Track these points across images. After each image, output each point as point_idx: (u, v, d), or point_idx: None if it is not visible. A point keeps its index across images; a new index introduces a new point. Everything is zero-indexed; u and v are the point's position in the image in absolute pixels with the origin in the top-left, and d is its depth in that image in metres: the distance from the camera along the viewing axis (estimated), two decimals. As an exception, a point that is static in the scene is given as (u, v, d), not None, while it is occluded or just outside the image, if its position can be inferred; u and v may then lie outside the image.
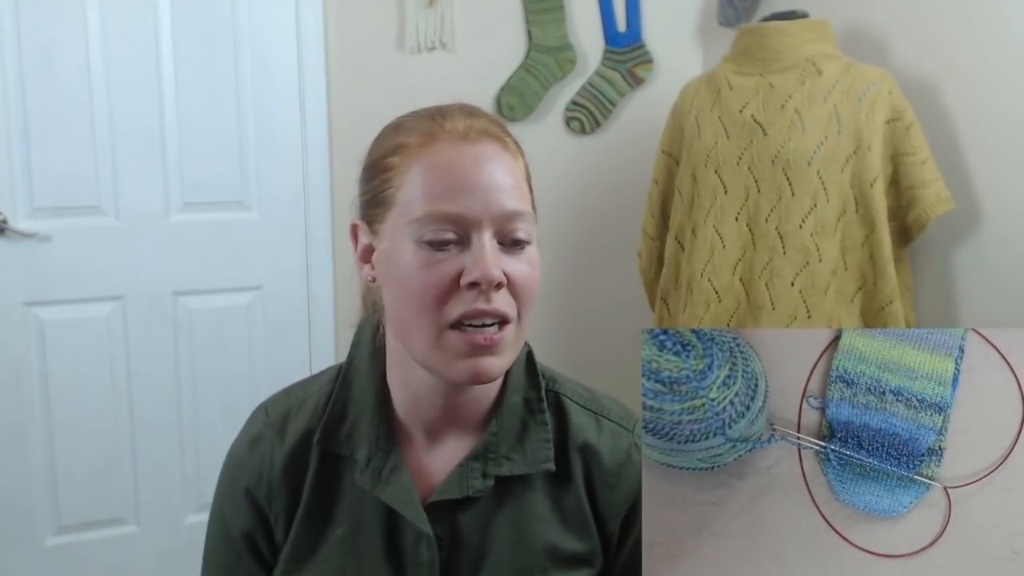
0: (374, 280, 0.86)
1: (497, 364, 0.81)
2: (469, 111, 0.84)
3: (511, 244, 0.81)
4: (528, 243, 0.82)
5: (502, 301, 0.79)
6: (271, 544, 0.93)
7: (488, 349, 0.79)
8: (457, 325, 0.79)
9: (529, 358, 0.94)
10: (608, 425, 0.93)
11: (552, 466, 0.90)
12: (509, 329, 0.81)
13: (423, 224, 0.79)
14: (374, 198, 0.85)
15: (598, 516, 0.92)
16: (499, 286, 0.79)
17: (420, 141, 0.82)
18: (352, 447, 0.89)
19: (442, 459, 0.90)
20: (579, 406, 0.94)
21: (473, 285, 0.78)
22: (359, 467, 0.88)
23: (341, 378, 0.93)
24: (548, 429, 0.91)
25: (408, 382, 0.88)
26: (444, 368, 0.81)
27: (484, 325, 0.79)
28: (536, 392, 0.92)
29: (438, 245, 0.79)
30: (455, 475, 0.88)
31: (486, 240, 0.79)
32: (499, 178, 0.80)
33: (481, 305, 0.78)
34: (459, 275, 0.78)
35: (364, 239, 0.87)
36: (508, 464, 0.89)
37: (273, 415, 0.94)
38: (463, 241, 0.79)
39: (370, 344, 0.92)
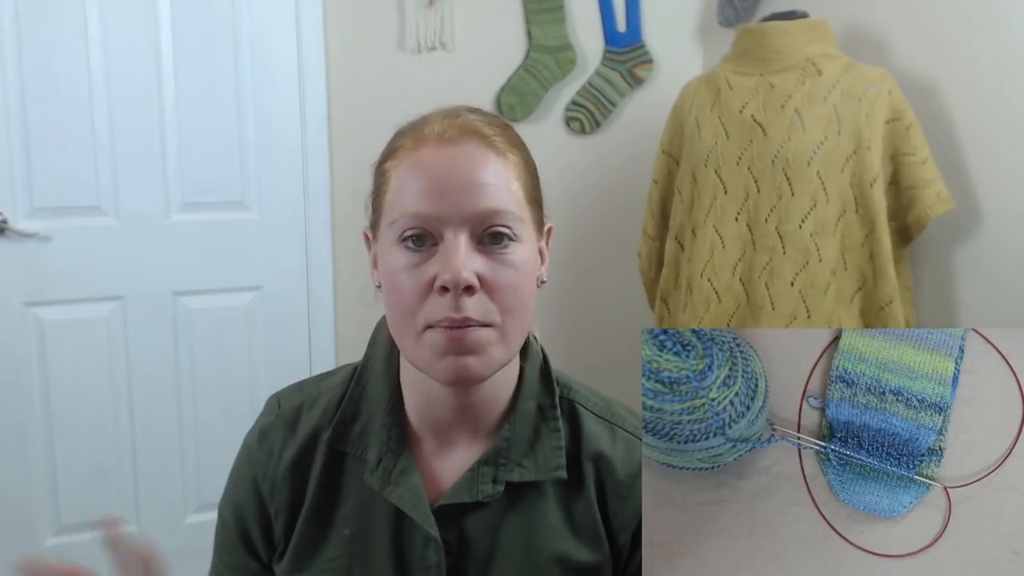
0: (379, 286, 0.86)
1: (478, 365, 0.79)
2: (455, 113, 0.84)
3: (490, 242, 0.80)
4: (513, 241, 0.81)
5: (475, 307, 0.78)
6: (267, 536, 0.93)
7: (466, 348, 0.78)
8: (435, 325, 0.79)
9: (544, 365, 0.93)
10: (622, 435, 0.93)
11: (564, 474, 0.89)
12: (489, 331, 0.79)
13: (400, 226, 0.80)
14: (373, 204, 0.86)
15: (608, 527, 0.91)
16: (470, 289, 0.77)
17: (408, 146, 0.82)
18: (363, 447, 0.89)
19: (453, 463, 0.89)
20: (593, 415, 0.93)
21: (445, 289, 0.77)
22: (369, 467, 0.88)
23: (356, 378, 0.93)
24: (561, 436, 0.90)
25: (418, 383, 0.87)
26: (428, 367, 0.81)
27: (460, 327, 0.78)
28: (550, 399, 0.91)
29: (414, 246, 0.79)
30: (465, 479, 0.87)
31: (459, 241, 0.78)
32: (475, 177, 0.79)
33: (451, 313, 0.77)
34: (433, 278, 0.78)
35: (373, 246, 0.87)
36: (519, 470, 0.88)
37: (286, 408, 0.94)
38: (439, 243, 0.79)
39: (386, 344, 0.92)
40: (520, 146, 0.86)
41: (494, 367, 0.81)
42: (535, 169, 0.88)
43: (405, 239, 0.79)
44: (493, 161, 0.81)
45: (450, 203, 0.78)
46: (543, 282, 0.88)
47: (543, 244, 0.89)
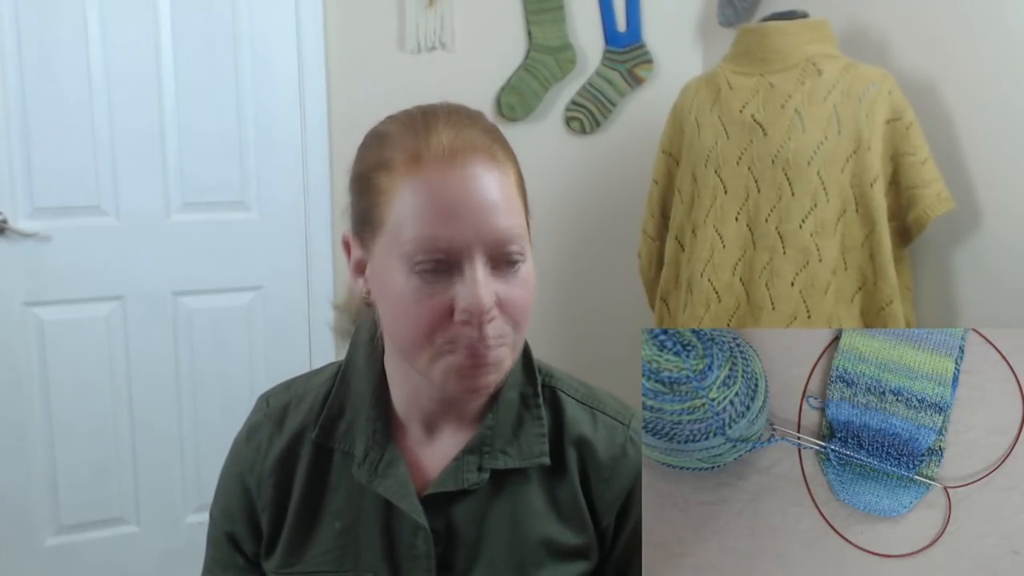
0: (368, 294, 0.86)
1: (494, 379, 0.82)
2: (453, 122, 0.81)
3: (505, 265, 0.80)
4: (522, 259, 0.81)
5: (494, 330, 0.79)
6: (254, 532, 0.95)
7: (484, 368, 0.80)
8: (454, 348, 0.79)
9: (526, 354, 0.94)
10: (603, 419, 0.94)
11: (547, 460, 0.90)
12: (504, 349, 0.81)
13: (413, 253, 0.78)
14: (363, 215, 0.83)
15: (593, 509, 0.93)
16: (490, 314, 0.78)
17: (406, 161, 0.79)
18: (350, 442, 0.91)
19: (439, 453, 0.91)
20: (575, 400, 0.95)
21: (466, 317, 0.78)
22: (356, 462, 0.90)
23: (339, 376, 0.94)
24: (543, 424, 0.91)
25: (407, 378, 0.89)
26: (442, 384, 0.82)
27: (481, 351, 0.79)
28: (532, 387, 0.93)
29: (430, 274, 0.78)
30: (451, 468, 0.89)
31: (478, 269, 0.77)
32: (488, 198, 0.78)
33: (475, 341, 0.78)
34: (451, 305, 0.78)
35: (356, 252, 0.86)
36: (503, 458, 0.89)
37: (273, 406, 0.96)
38: (454, 268, 0.78)
39: (368, 344, 0.93)
40: (509, 148, 0.85)
41: (505, 376, 0.84)
42: (519, 167, 0.87)
43: (419, 263, 0.78)
44: (499, 178, 0.80)
45: (466, 228, 0.77)
46: None
47: None
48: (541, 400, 0.92)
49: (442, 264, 0.78)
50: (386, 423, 0.91)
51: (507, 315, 0.80)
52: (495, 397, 0.91)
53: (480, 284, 0.77)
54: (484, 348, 0.79)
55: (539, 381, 0.94)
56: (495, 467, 0.89)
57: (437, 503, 0.89)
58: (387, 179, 0.80)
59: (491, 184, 0.79)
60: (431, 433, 0.91)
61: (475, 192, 0.78)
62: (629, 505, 0.93)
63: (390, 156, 0.80)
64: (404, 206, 0.78)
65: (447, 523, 0.89)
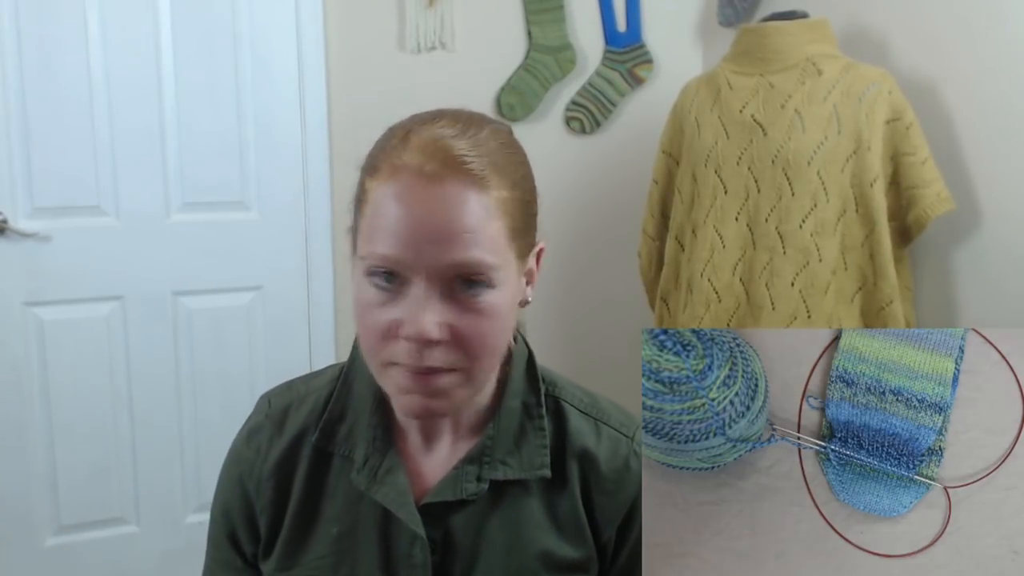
0: None
1: (440, 406, 0.80)
2: (440, 134, 0.77)
3: (462, 289, 0.76)
4: (487, 288, 0.77)
5: (439, 356, 0.77)
6: (253, 533, 0.95)
7: (428, 391, 0.78)
8: (398, 363, 0.78)
9: (530, 362, 0.93)
10: (607, 431, 0.92)
11: (548, 472, 0.89)
12: (454, 375, 0.78)
13: (367, 263, 0.77)
14: (353, 216, 0.83)
15: (593, 523, 0.92)
16: (433, 342, 0.76)
17: (384, 169, 0.77)
18: (350, 447, 0.90)
19: (438, 461, 0.90)
20: (579, 411, 0.93)
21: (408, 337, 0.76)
22: (356, 467, 0.89)
23: (342, 379, 0.93)
24: (546, 435, 0.90)
25: None
26: (392, 398, 0.82)
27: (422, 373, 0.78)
28: (535, 397, 0.91)
29: (382, 283, 0.77)
30: (450, 477, 0.88)
31: (426, 292, 0.75)
32: (450, 226, 0.74)
33: (414, 362, 0.77)
34: (398, 322, 0.77)
35: (351, 249, 0.86)
36: (503, 468, 0.88)
37: (275, 407, 0.95)
38: (406, 286, 0.76)
39: None
40: (508, 166, 0.80)
41: (457, 406, 0.82)
42: (529, 191, 0.83)
43: (373, 274, 0.77)
44: (474, 203, 0.75)
45: (420, 252, 0.75)
46: (527, 302, 0.86)
47: (532, 265, 0.86)
48: (544, 410, 0.91)
49: (395, 277, 0.76)
50: (387, 429, 0.90)
51: (460, 344, 0.77)
52: (497, 406, 0.90)
53: (422, 309, 0.75)
54: (424, 373, 0.77)
55: (543, 390, 0.92)
56: (494, 478, 0.88)
57: (435, 512, 0.87)
58: (369, 184, 0.79)
59: (459, 210, 0.75)
60: (431, 440, 0.90)
61: (436, 216, 0.74)
62: (631, 519, 0.91)
63: (378, 162, 0.79)
64: (371, 216, 0.78)
65: (445, 533, 0.88)
